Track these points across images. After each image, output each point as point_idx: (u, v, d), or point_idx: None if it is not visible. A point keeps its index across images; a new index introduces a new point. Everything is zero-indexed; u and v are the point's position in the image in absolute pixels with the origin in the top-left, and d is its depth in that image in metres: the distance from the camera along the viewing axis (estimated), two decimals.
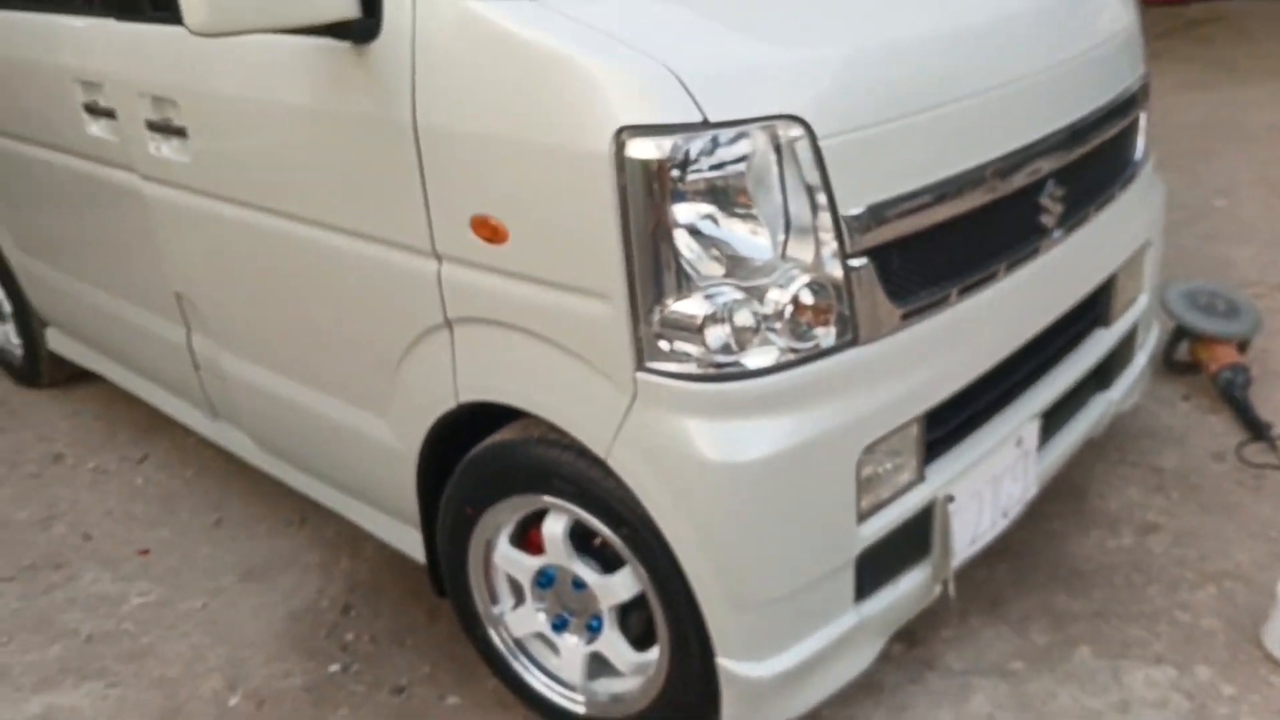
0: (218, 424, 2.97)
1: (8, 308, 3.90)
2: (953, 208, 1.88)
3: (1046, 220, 2.13)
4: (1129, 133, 2.47)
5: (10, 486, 3.37)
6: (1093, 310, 2.44)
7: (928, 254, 1.88)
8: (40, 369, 3.92)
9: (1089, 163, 2.25)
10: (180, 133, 2.44)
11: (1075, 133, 2.16)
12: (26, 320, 3.81)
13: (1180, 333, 3.35)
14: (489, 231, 1.84)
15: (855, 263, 1.74)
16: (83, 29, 2.68)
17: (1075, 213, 2.22)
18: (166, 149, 2.50)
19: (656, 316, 1.69)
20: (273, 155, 2.21)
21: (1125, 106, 2.39)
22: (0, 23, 3.05)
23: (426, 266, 1.98)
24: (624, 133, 1.62)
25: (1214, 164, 5.26)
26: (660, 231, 1.66)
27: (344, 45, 1.92)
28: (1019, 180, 2.02)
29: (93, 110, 2.73)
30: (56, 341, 3.74)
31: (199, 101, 2.34)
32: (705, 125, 1.62)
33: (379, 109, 1.91)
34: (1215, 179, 5.06)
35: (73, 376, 3.87)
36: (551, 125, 1.68)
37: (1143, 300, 2.64)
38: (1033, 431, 2.21)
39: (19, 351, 3.97)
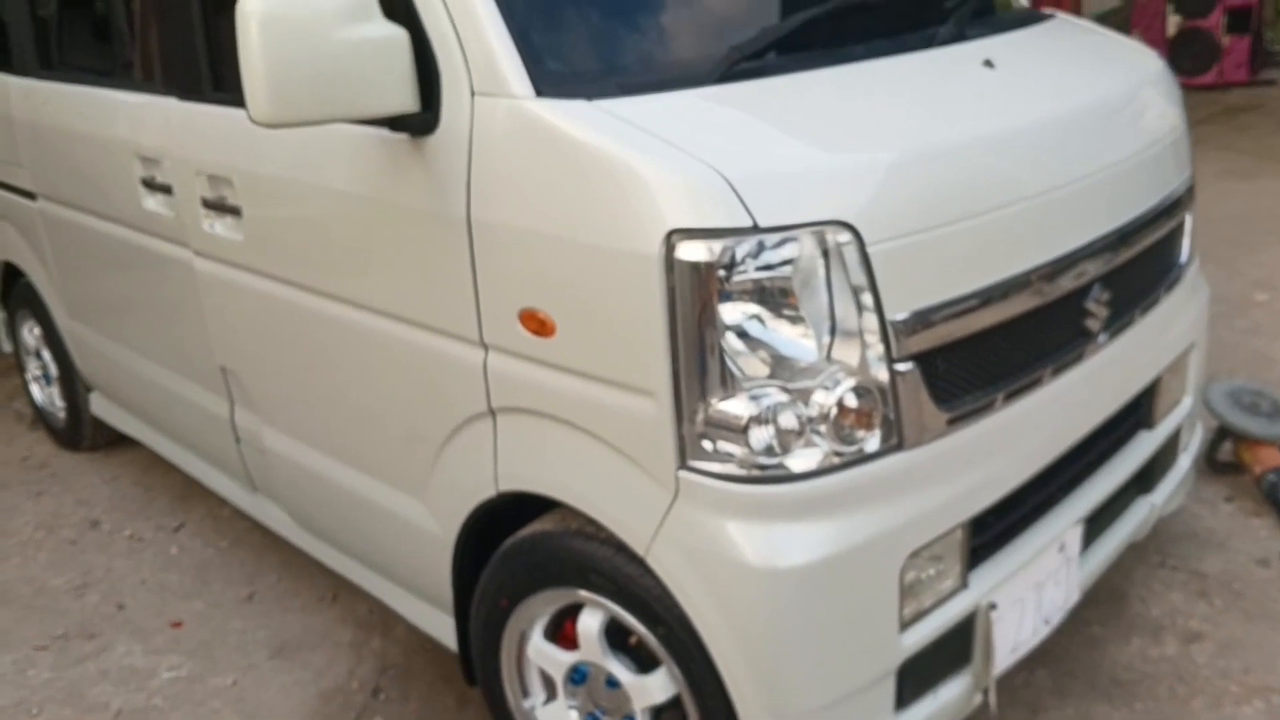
0: (255, 497, 2.99)
1: (54, 371, 3.96)
2: (999, 313, 1.88)
3: (1092, 325, 2.12)
4: (1175, 235, 2.47)
5: (48, 551, 3.40)
6: (1136, 413, 2.42)
7: (973, 359, 1.87)
8: (82, 432, 3.97)
9: (1135, 267, 2.24)
10: (234, 211, 2.49)
11: (1122, 237, 2.16)
12: (71, 384, 3.86)
13: (1223, 433, 3.31)
14: (537, 324, 1.85)
15: (901, 367, 1.74)
16: (144, 106, 2.76)
17: (1121, 317, 2.21)
18: (220, 226, 2.56)
19: (701, 415, 1.69)
20: (325, 239, 2.25)
21: (1172, 209, 2.39)
22: (64, 95, 3.16)
23: (473, 355, 2.00)
24: (674, 235, 1.64)
25: (1255, 256, 5.23)
26: (707, 331, 1.67)
27: (401, 137, 1.96)
28: (1065, 285, 2.02)
29: (150, 185, 2.79)
30: (100, 406, 3.79)
31: (254, 182, 2.39)
32: (755, 230, 1.63)
33: (433, 201, 1.94)
34: (1256, 271, 5.03)
35: (113, 440, 3.91)
36: (603, 225, 1.71)
37: (1187, 402, 2.61)
38: (1075, 536, 2.17)
39: (62, 415, 4.02)
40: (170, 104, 2.64)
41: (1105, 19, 11.20)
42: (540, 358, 1.88)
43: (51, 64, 3.30)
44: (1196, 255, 2.64)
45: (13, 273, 3.98)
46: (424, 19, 1.88)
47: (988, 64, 2.13)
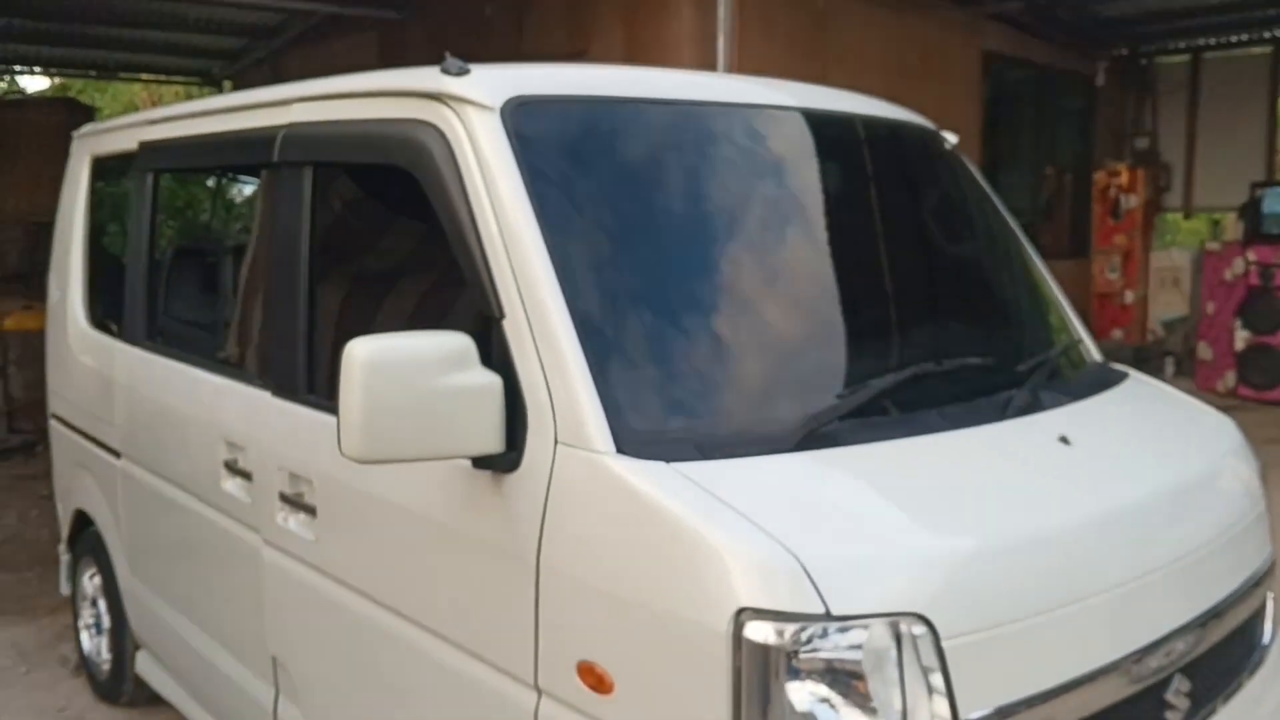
0: None
1: (106, 623, 3.96)
2: (1075, 710, 1.82)
3: (1173, 718, 2.03)
4: (1257, 616, 2.39)
5: None
6: None
7: None
8: (123, 688, 3.92)
9: (1216, 653, 2.17)
10: (310, 510, 2.53)
11: (1203, 625, 2.10)
12: (121, 639, 3.85)
13: None
14: (595, 679, 1.82)
15: None
16: (239, 393, 2.88)
17: (1202, 708, 2.12)
18: (294, 522, 2.60)
19: None
20: (396, 555, 2.27)
21: (1254, 590, 2.33)
22: (165, 369, 3.30)
23: (526, 698, 1.96)
24: (744, 614, 1.62)
25: None
26: (773, 715, 1.62)
27: (483, 472, 2.01)
28: (1145, 678, 1.95)
29: (231, 468, 2.87)
30: (145, 666, 3.75)
31: (334, 488, 2.45)
32: (827, 616, 1.61)
33: (506, 538, 1.97)
34: None
35: (150, 699, 3.85)
36: (674, 593, 1.70)
37: None
38: None
39: (106, 667, 3.99)
40: (264, 397, 2.75)
41: (1172, 326, 11.39)
42: (595, 713, 1.83)
43: (157, 336, 3.49)
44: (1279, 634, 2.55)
45: (83, 519, 4.06)
46: (518, 367, 1.96)
47: (1064, 440, 2.15)
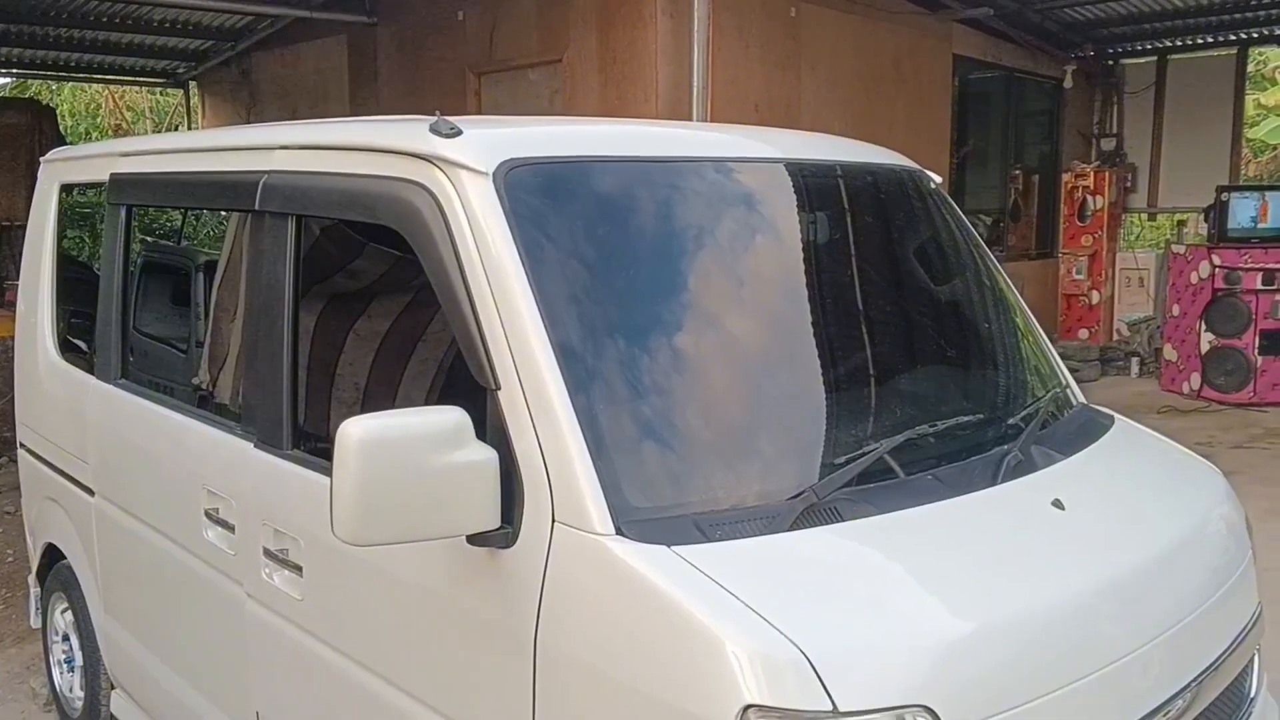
0: None
1: (78, 660, 3.89)
2: None
3: None
4: (1246, 670, 2.41)
5: None
6: None
7: None
8: None
9: (1210, 709, 2.18)
10: (296, 568, 2.49)
11: (1200, 682, 2.12)
12: (95, 678, 3.78)
13: None
14: None
15: None
16: (221, 441, 2.82)
17: None
18: (279, 579, 2.55)
19: None
20: (388, 622, 2.23)
21: (1242, 645, 2.35)
22: (141, 410, 3.23)
23: None
24: (750, 710, 1.61)
25: None
26: None
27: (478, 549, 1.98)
28: None
29: (213, 517, 2.82)
30: (120, 708, 3.69)
31: (322, 549, 2.40)
32: (834, 713, 1.60)
33: (503, 615, 1.94)
34: None
35: None
36: (677, 684, 1.68)
37: None
38: None
39: (79, 705, 3.92)
40: (246, 448, 2.69)
41: (1137, 326, 11.52)
42: None
43: (132, 375, 3.41)
44: (1265, 676, 2.57)
45: (54, 552, 3.98)
46: (514, 440, 1.93)
47: (1057, 504, 2.15)
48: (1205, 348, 9.66)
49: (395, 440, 1.82)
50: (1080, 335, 11.67)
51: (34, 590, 4.24)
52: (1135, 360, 11.17)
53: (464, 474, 1.87)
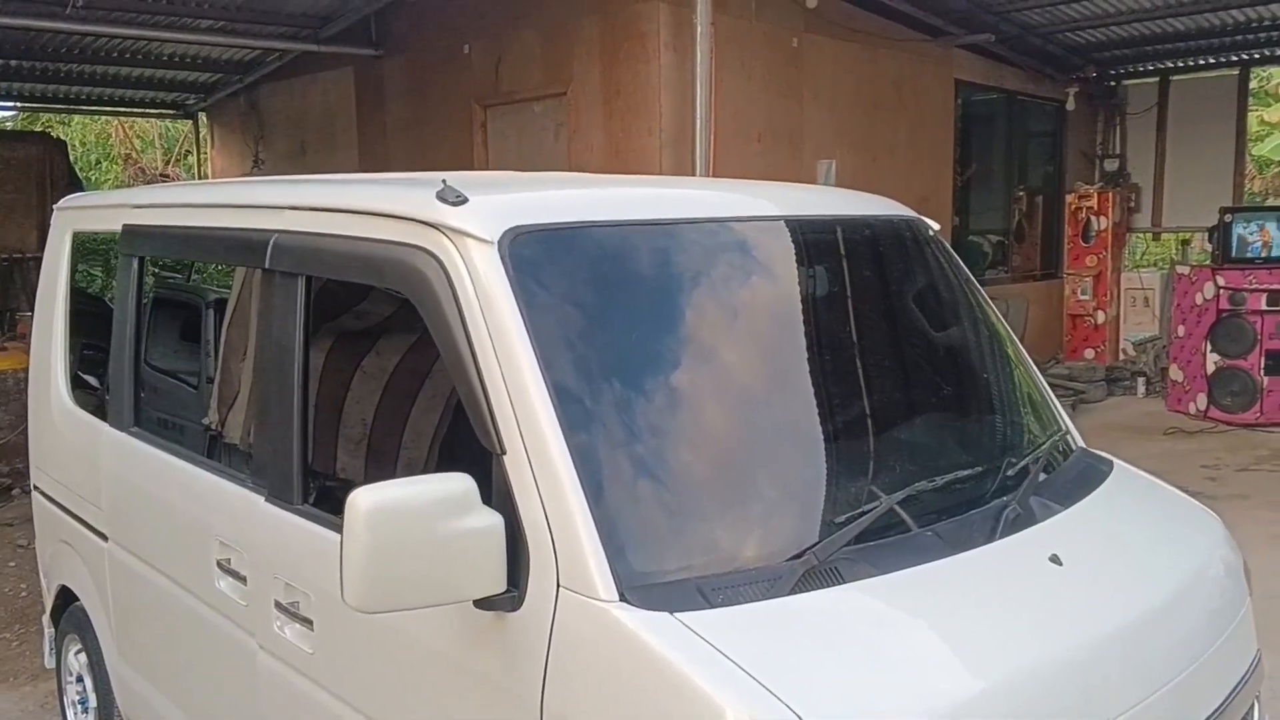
0: None
1: (92, 702, 3.93)
2: None
3: None
4: (1247, 717, 2.44)
5: None
6: None
7: None
8: None
9: None
10: (307, 622, 2.53)
11: None
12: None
13: None
14: None
15: None
16: (233, 493, 2.86)
17: None
18: (290, 632, 2.59)
19: None
20: (397, 679, 2.27)
21: (1243, 692, 2.37)
22: (154, 460, 3.27)
23: None
24: None
25: None
26: None
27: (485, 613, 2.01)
28: None
29: (225, 568, 2.86)
30: None
31: (333, 605, 2.43)
32: None
33: (508, 678, 1.97)
34: None
35: None
36: None
37: None
38: None
39: None
40: (258, 501, 2.74)
41: (1143, 346, 11.52)
42: None
43: (146, 424, 3.46)
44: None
45: (68, 593, 4.03)
46: (519, 504, 1.97)
47: (1055, 560, 2.18)
48: (1211, 368, 9.68)
49: (403, 510, 1.86)
50: (1086, 355, 11.68)
51: (48, 631, 4.28)
52: (1141, 380, 11.18)
53: (471, 540, 1.91)
